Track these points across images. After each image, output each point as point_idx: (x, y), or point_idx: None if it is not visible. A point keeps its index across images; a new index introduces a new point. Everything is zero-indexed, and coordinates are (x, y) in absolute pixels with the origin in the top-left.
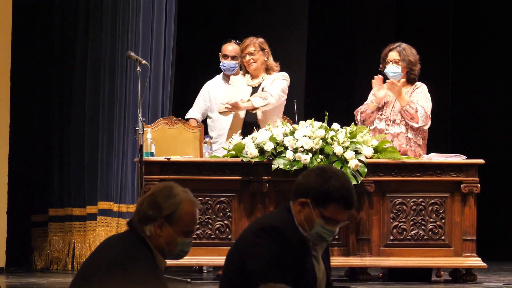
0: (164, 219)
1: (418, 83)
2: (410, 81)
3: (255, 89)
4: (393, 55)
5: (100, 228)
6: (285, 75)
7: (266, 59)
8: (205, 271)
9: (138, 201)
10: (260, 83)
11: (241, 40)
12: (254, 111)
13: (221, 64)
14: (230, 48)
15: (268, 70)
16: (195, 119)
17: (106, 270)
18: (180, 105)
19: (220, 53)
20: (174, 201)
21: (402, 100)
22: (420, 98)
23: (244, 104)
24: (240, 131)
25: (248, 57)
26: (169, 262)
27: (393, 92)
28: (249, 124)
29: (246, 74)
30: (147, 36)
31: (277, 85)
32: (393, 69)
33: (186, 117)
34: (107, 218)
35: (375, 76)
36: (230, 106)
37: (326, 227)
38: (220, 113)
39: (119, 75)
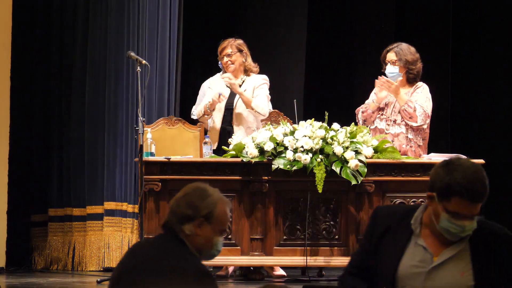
0: (204, 218)
1: (420, 83)
2: (410, 80)
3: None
4: (390, 55)
5: (107, 229)
6: (265, 78)
7: (244, 61)
8: None
9: (173, 203)
10: (240, 85)
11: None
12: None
13: (219, 62)
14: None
15: (246, 71)
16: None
17: (155, 274)
18: (182, 104)
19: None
20: (210, 200)
21: (401, 100)
22: (419, 97)
23: (242, 92)
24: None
25: (225, 59)
26: None
27: (390, 91)
28: (226, 128)
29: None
30: (152, 35)
31: (262, 96)
32: (390, 70)
33: (193, 117)
34: (115, 218)
35: (379, 77)
36: (231, 80)
37: (453, 221)
38: (199, 118)
39: (119, 75)
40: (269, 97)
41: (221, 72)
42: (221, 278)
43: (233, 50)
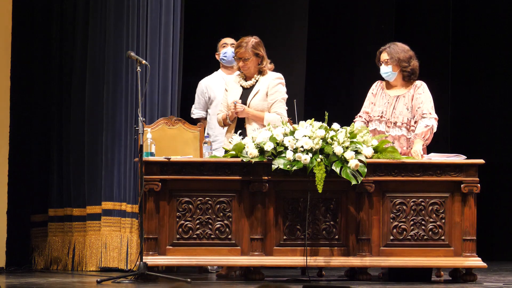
0: None
1: (418, 83)
2: (405, 78)
3: (246, 90)
4: (383, 56)
5: (104, 228)
6: (279, 77)
7: (259, 64)
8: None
9: None
10: (253, 85)
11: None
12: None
13: (222, 54)
14: (228, 39)
15: (261, 72)
16: (204, 119)
17: None
18: (183, 105)
19: (217, 52)
20: None
21: (421, 147)
22: (424, 99)
23: (253, 112)
24: (239, 131)
25: (241, 63)
26: (169, 262)
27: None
28: (239, 128)
29: (240, 74)
30: (154, 36)
31: (277, 105)
32: (384, 70)
33: (193, 117)
34: (112, 218)
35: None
36: (241, 108)
37: None
38: (224, 124)
39: (119, 75)
40: (286, 97)
41: (218, 71)
42: (222, 278)
43: (249, 55)
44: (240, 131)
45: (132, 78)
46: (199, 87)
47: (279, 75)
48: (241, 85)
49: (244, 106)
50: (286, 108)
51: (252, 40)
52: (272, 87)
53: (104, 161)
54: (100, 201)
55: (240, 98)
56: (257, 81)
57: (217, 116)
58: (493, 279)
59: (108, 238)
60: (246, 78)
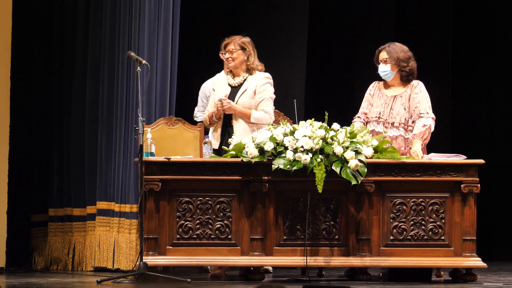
0: None
1: (415, 82)
2: (403, 79)
3: (234, 89)
4: (382, 55)
5: (99, 228)
6: (267, 77)
7: (246, 59)
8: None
9: None
10: (241, 83)
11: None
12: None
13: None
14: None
15: (249, 70)
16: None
17: None
18: (181, 105)
19: (221, 51)
20: None
21: (420, 147)
22: (421, 99)
23: (240, 109)
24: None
25: (227, 55)
26: (169, 262)
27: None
28: (226, 126)
29: (228, 73)
30: (153, 36)
31: (264, 103)
32: (382, 69)
33: (197, 120)
34: (106, 218)
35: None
36: (227, 104)
37: None
38: (210, 122)
39: (119, 75)
40: (274, 97)
41: (221, 72)
42: (216, 278)
43: (235, 47)
44: (239, 133)
45: (132, 78)
46: (201, 89)
47: (268, 74)
48: (229, 84)
49: (231, 102)
50: (274, 107)
51: (242, 37)
52: (260, 85)
53: (99, 160)
54: (101, 201)
55: (228, 96)
56: (245, 79)
57: (203, 115)
58: (493, 279)
59: (101, 237)
60: (234, 77)
